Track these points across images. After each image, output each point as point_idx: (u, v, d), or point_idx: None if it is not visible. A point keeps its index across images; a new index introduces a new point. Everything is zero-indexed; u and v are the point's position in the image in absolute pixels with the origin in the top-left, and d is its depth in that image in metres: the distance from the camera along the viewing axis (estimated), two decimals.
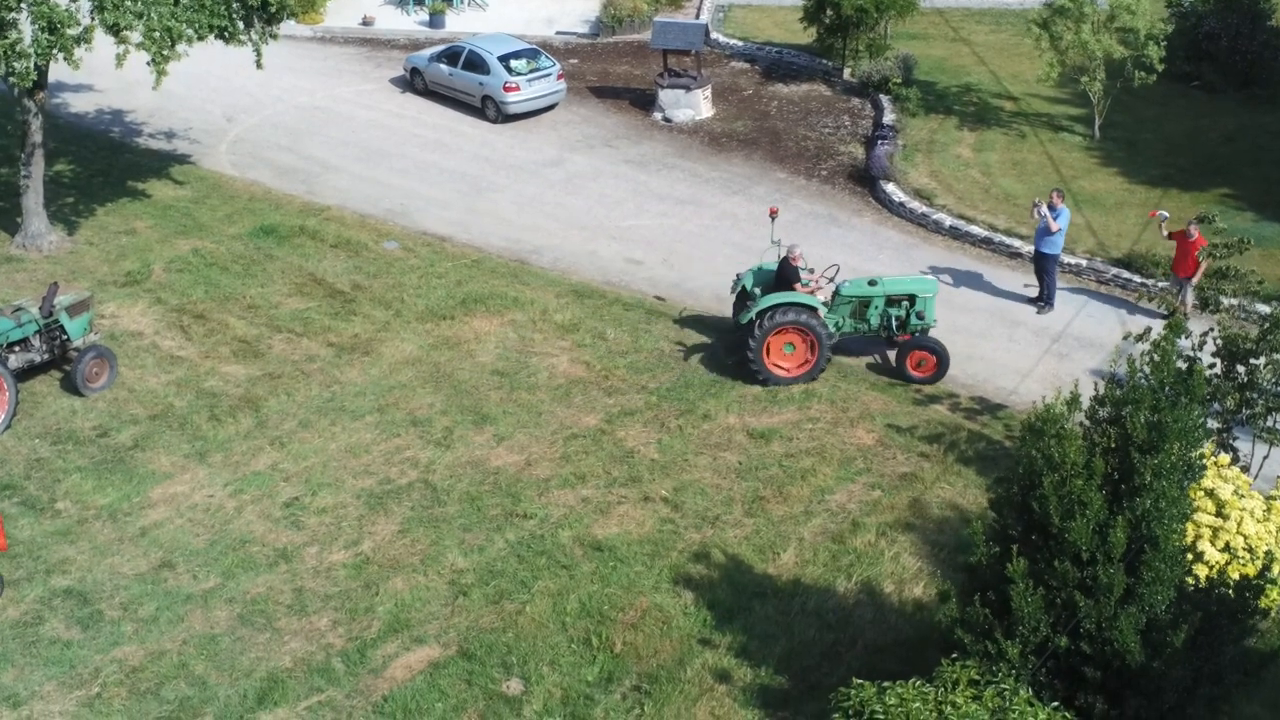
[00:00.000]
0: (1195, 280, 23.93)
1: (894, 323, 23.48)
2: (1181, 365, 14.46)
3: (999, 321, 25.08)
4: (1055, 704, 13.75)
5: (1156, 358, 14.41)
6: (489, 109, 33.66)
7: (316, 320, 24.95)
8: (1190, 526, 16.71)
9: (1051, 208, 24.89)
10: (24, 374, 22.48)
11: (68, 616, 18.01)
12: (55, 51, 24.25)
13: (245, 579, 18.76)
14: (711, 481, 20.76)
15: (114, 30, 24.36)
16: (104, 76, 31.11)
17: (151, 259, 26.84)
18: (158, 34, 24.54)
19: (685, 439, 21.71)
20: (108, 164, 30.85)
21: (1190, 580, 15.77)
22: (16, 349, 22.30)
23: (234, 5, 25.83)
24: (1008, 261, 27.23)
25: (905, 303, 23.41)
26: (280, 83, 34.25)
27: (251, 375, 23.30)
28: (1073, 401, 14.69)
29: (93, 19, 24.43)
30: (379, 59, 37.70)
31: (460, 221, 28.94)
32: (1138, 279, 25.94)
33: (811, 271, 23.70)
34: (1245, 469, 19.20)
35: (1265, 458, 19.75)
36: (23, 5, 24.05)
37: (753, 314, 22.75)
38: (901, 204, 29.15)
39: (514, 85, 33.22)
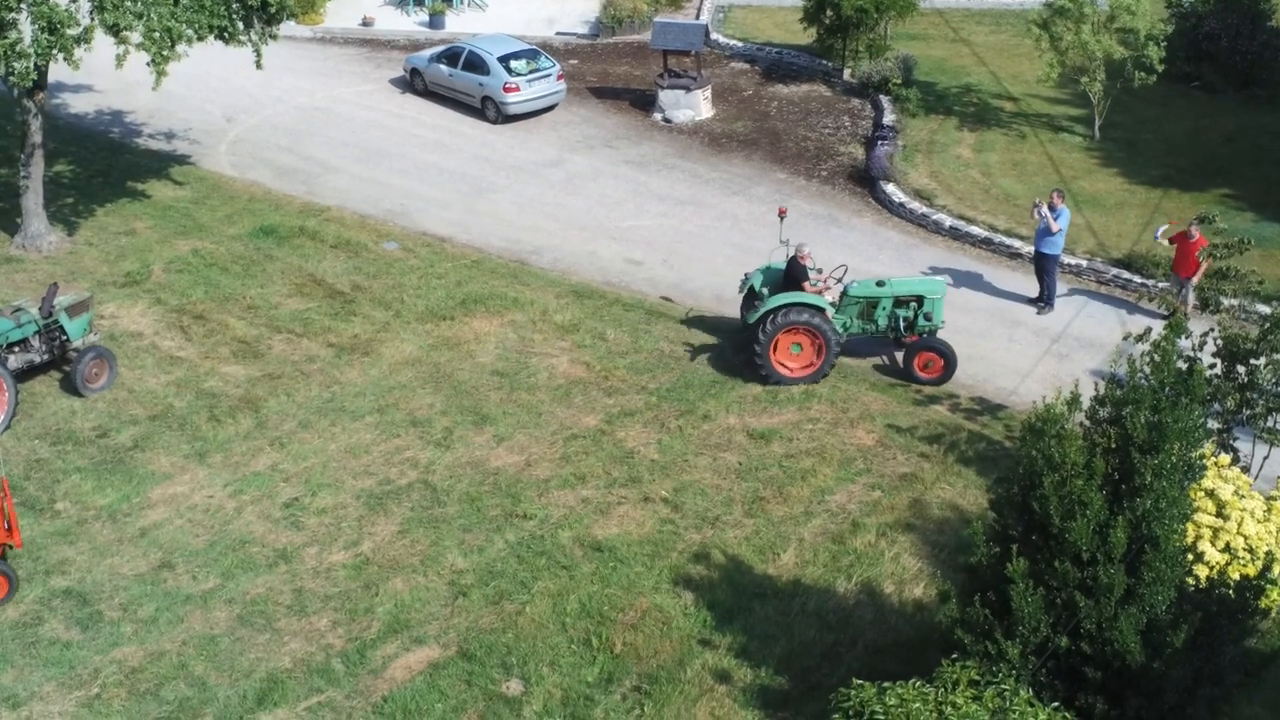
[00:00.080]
0: (1196, 280, 23.92)
1: (901, 324, 23.45)
2: (1182, 365, 14.45)
3: (999, 322, 25.07)
4: (1055, 704, 13.75)
5: (1157, 358, 14.40)
6: (489, 109, 33.65)
7: (316, 321, 24.94)
8: (1190, 527, 16.70)
9: (1052, 208, 24.88)
10: (24, 374, 22.47)
11: (67, 617, 18.01)
12: (55, 52, 24.24)
13: (245, 579, 18.76)
14: (711, 482, 20.75)
15: (114, 30, 24.35)
16: (104, 77, 31.10)
17: (151, 259, 26.84)
18: (158, 34, 24.54)
19: (685, 439, 21.70)
20: (107, 164, 30.85)
21: (1190, 581, 15.78)
22: (16, 349, 22.29)
23: (234, 6, 25.82)
24: (1008, 262, 27.23)
25: (913, 304, 23.38)
26: (280, 83, 34.25)
27: (251, 376, 23.29)
28: (1073, 402, 14.68)
29: (92, 19, 24.42)
30: (379, 59, 37.70)
31: (460, 222, 28.94)
32: (1138, 279, 25.94)
33: (820, 271, 23.68)
34: (1245, 469, 19.18)
35: (1265, 458, 19.74)
36: (22, 5, 24.04)
37: (761, 313, 22.73)
38: (901, 204, 29.15)
39: (514, 86, 33.21)
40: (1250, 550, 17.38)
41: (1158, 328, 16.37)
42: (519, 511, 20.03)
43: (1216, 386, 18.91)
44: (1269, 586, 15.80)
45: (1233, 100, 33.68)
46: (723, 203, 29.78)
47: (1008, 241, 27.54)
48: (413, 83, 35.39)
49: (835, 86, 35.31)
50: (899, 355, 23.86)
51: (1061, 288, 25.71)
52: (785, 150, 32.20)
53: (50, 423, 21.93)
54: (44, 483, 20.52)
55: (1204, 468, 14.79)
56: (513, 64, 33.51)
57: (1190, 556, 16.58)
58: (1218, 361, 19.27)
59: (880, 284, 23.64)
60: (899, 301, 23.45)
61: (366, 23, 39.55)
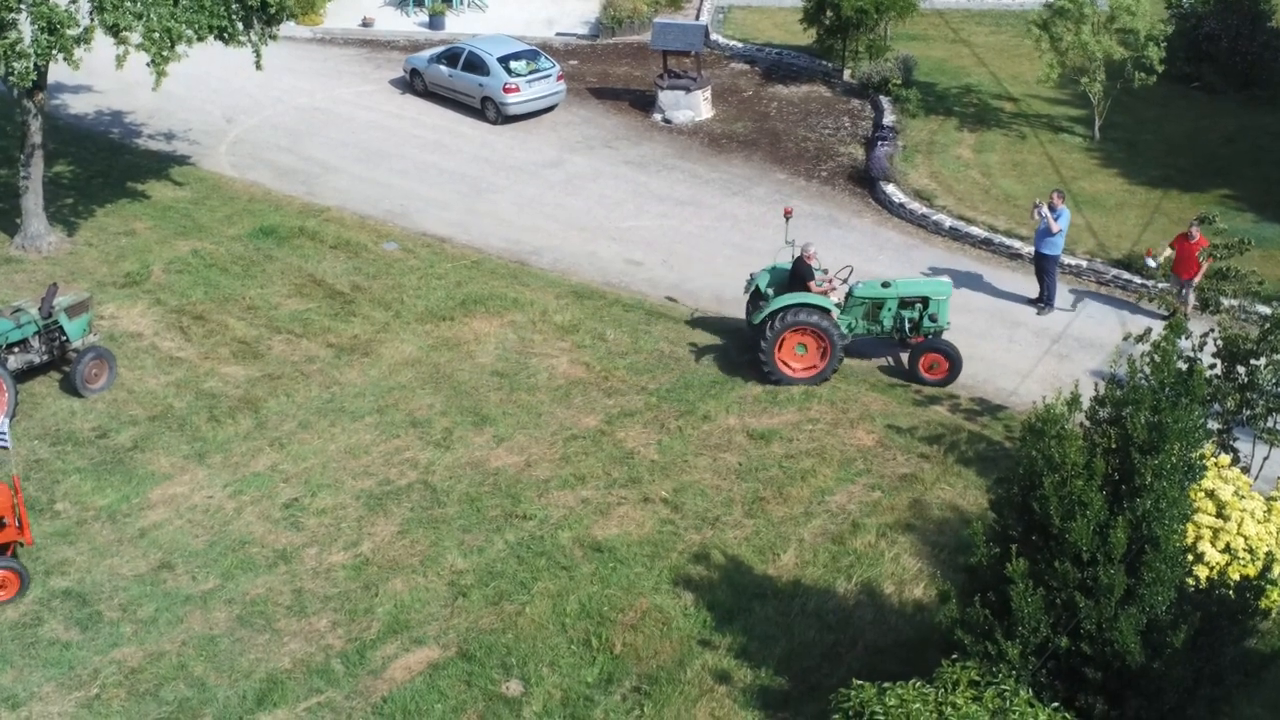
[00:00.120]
0: (1197, 280, 23.91)
1: (907, 325, 23.43)
2: (1182, 366, 14.44)
3: (999, 322, 25.07)
4: (1055, 705, 13.74)
5: (1157, 358, 14.40)
6: (489, 110, 33.65)
7: (316, 321, 24.94)
8: (1191, 527, 16.70)
9: (1052, 208, 24.88)
10: (23, 375, 22.46)
11: (67, 617, 18.00)
12: (55, 52, 24.24)
13: (244, 580, 18.75)
14: (711, 482, 20.74)
15: (114, 31, 24.35)
16: (103, 78, 31.10)
17: (151, 260, 26.83)
18: (157, 35, 24.53)
19: (685, 440, 21.69)
20: (107, 165, 30.84)
21: (1191, 581, 15.77)
22: (16, 350, 22.28)
23: (233, 6, 25.81)
24: (1008, 262, 27.22)
25: (919, 305, 23.36)
26: (280, 84, 34.24)
27: (251, 376, 23.29)
28: (1073, 402, 14.67)
29: (92, 20, 24.42)
30: (379, 60, 37.69)
31: (460, 222, 28.93)
32: (1138, 280, 25.93)
33: (825, 272, 23.67)
34: (1246, 470, 19.17)
35: (1265, 458, 19.73)
36: (22, 6, 24.04)
37: (766, 313, 22.72)
38: (901, 205, 29.14)
39: (514, 86, 33.21)
40: (1250, 551, 17.38)
41: (1158, 328, 16.36)
42: (519, 512, 20.02)
43: (1217, 387, 18.91)
44: (1269, 587, 15.79)
45: (1233, 101, 33.69)
46: (722, 203, 29.78)
47: (1007, 242, 27.54)
48: (413, 83, 35.39)
49: (835, 87, 35.31)
50: (904, 356, 23.82)
51: (1064, 290, 25.67)
52: (785, 151, 32.20)
53: (50, 423, 21.92)
54: (43, 483, 20.51)
55: (1204, 468, 14.78)
56: (513, 65, 33.50)
57: (1190, 557, 16.58)
58: (1218, 362, 19.26)
59: (886, 285, 23.63)
60: (904, 302, 23.42)
61: (366, 23, 39.55)
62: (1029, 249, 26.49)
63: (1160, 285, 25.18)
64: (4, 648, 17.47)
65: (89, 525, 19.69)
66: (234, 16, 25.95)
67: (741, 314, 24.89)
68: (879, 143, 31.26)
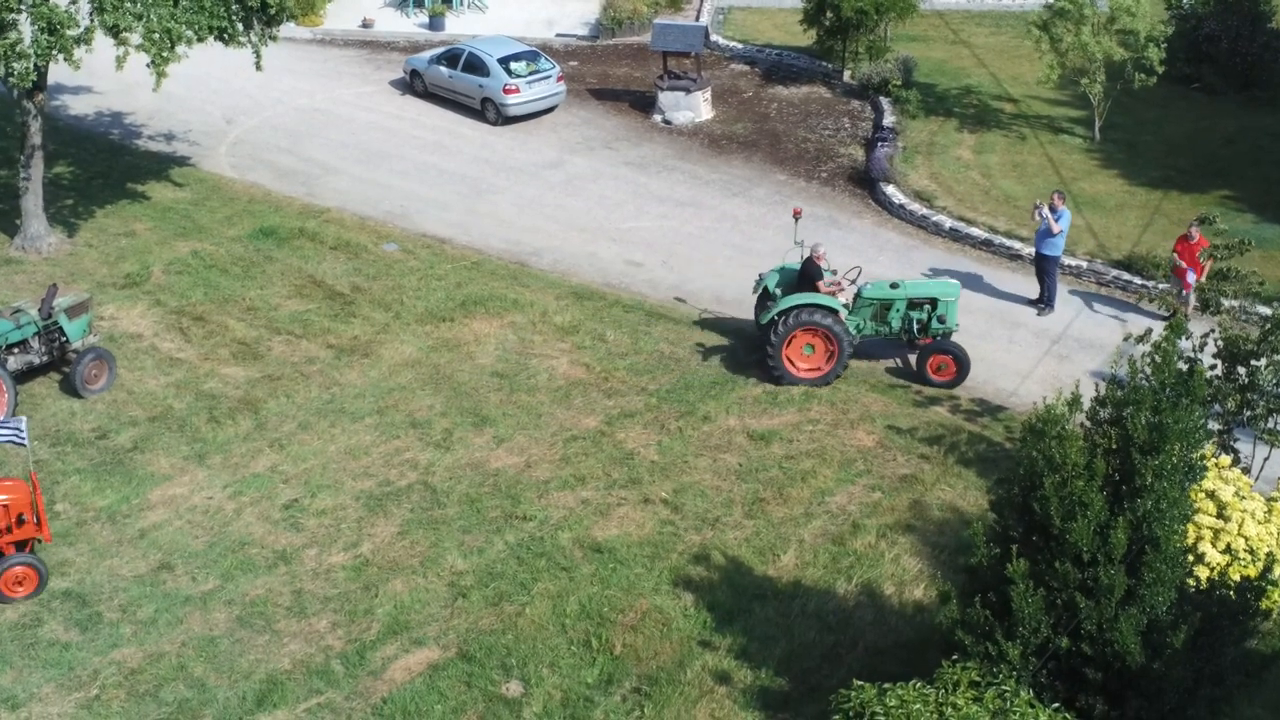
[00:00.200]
0: (1198, 280, 23.88)
1: (915, 326, 23.40)
2: (1182, 367, 14.43)
3: (999, 323, 25.06)
4: (1056, 705, 13.73)
5: (1158, 359, 14.39)
6: (489, 111, 33.64)
7: (316, 322, 24.93)
8: (1191, 528, 16.69)
9: (1053, 209, 24.87)
10: (23, 376, 22.45)
11: (66, 618, 17.98)
12: (55, 52, 24.23)
13: (244, 581, 18.73)
14: (711, 483, 20.73)
15: (113, 31, 24.34)
16: (103, 78, 31.11)
17: (151, 261, 26.82)
18: (157, 35, 24.53)
19: (685, 441, 21.68)
20: (107, 166, 30.84)
21: (1191, 582, 15.76)
22: (15, 351, 22.28)
23: (233, 7, 25.81)
24: (1008, 263, 27.22)
25: (927, 306, 23.33)
26: (280, 85, 34.24)
27: (251, 377, 23.28)
28: (1073, 402, 14.66)
29: (92, 20, 24.41)
30: (379, 61, 37.69)
31: (460, 223, 28.93)
32: (1138, 280, 25.92)
33: (835, 273, 23.66)
34: (1246, 470, 19.16)
35: (1266, 459, 19.72)
36: (23, 6, 24.03)
37: (773, 313, 22.71)
38: (901, 206, 29.14)
39: (514, 87, 33.21)
40: (1251, 551, 17.37)
41: (1158, 329, 16.35)
42: (519, 513, 20.01)
43: (1217, 388, 18.90)
44: (1270, 588, 15.80)
45: (1233, 102, 33.69)
46: (723, 204, 29.78)
47: (1008, 243, 27.54)
48: (413, 84, 35.39)
49: (835, 88, 35.31)
50: (912, 358, 23.80)
51: (1063, 290, 25.69)
52: (785, 152, 32.20)
53: (50, 424, 21.91)
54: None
55: (1205, 469, 14.76)
56: (513, 65, 33.50)
57: (1191, 558, 16.58)
58: (1218, 363, 19.26)
59: (894, 286, 23.62)
60: (913, 304, 23.40)
61: (366, 24, 39.54)
62: (1029, 250, 26.49)
63: (1161, 286, 25.17)
64: (4, 648, 17.46)
65: (89, 526, 19.68)
66: (234, 17, 25.94)
67: (742, 314, 24.88)
68: (879, 144, 31.26)
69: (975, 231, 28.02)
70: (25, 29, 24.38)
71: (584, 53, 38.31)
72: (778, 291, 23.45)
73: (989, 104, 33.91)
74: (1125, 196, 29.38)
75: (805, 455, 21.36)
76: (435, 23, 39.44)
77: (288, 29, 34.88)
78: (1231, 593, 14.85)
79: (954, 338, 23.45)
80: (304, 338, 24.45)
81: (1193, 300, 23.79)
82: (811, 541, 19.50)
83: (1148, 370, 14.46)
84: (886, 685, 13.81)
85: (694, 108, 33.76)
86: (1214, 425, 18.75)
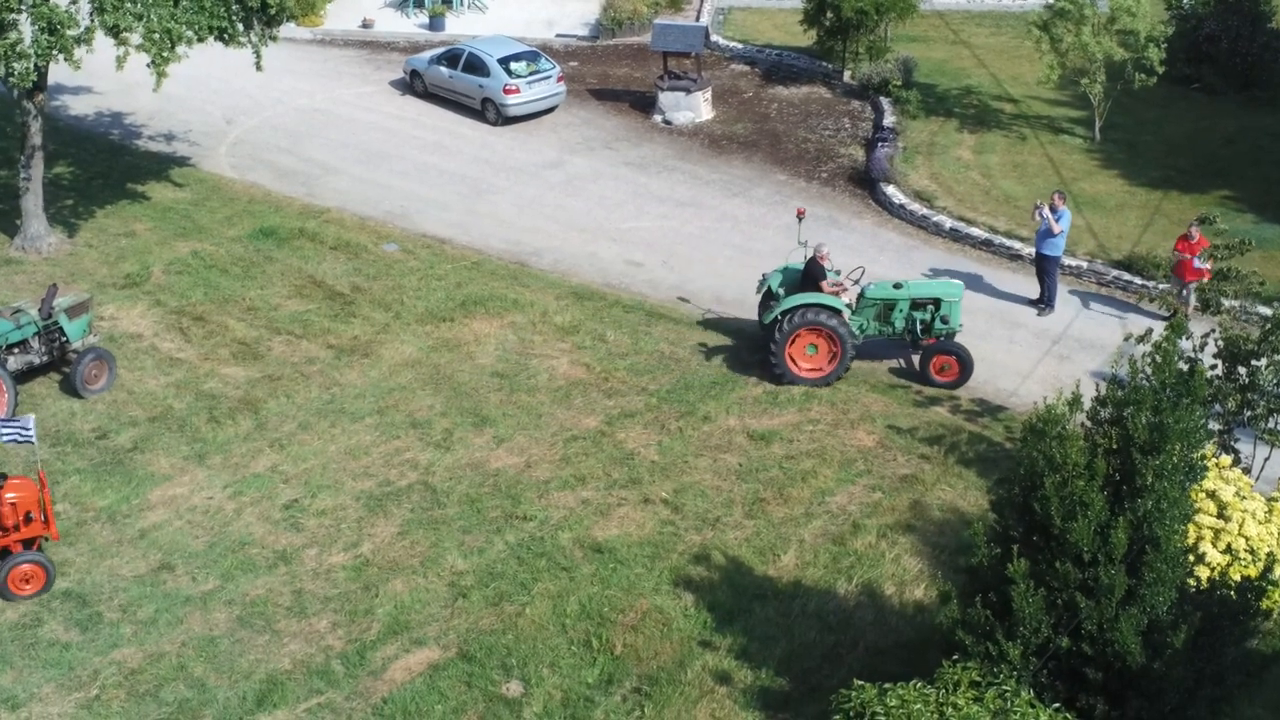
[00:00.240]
0: (1198, 281, 23.88)
1: (918, 326, 23.39)
2: (1183, 366, 14.43)
3: (999, 323, 25.05)
4: (1057, 705, 13.73)
5: (1158, 359, 14.39)
6: (489, 111, 33.64)
7: (316, 322, 24.92)
8: (1192, 528, 16.69)
9: (1053, 209, 24.87)
10: (23, 376, 22.45)
11: (66, 618, 17.98)
12: (55, 52, 24.23)
13: (244, 581, 18.73)
14: (712, 483, 20.72)
15: (114, 32, 24.35)
16: (104, 79, 31.11)
17: (151, 261, 26.82)
18: (157, 36, 24.54)
19: (685, 441, 21.68)
20: (107, 166, 30.83)
21: (1192, 582, 15.76)
22: (15, 351, 22.27)
23: (234, 7, 25.81)
24: (1008, 263, 27.22)
25: (930, 306, 23.31)
26: (280, 85, 34.23)
27: (251, 377, 23.27)
28: (1074, 402, 14.66)
29: (92, 20, 24.41)
30: (379, 61, 37.69)
31: (460, 224, 28.92)
32: (1138, 281, 25.93)
33: (838, 273, 23.65)
34: (1247, 470, 19.16)
35: (1266, 459, 19.70)
36: (23, 6, 24.03)
37: (776, 313, 22.71)
38: (902, 206, 29.14)
39: (514, 87, 33.20)
40: (1251, 551, 17.36)
41: (1159, 329, 16.35)
42: (519, 513, 20.00)
43: (1218, 388, 18.89)
44: (1270, 588, 15.79)
45: (1233, 102, 33.69)
46: (723, 204, 29.77)
47: (1008, 243, 27.54)
48: (413, 84, 35.38)
49: (835, 88, 35.31)
50: (915, 358, 23.78)
51: (1063, 290, 25.69)
52: (785, 152, 32.20)
53: (50, 424, 21.89)
54: None
55: (1205, 468, 14.77)
56: (513, 66, 33.50)
57: (1191, 558, 16.56)
58: (1219, 363, 19.25)
59: (897, 286, 23.61)
60: (916, 304, 23.38)
61: (366, 25, 39.54)
62: (1029, 250, 26.49)
63: (1162, 286, 25.18)
64: (4, 649, 17.45)
65: (89, 526, 19.67)
66: (234, 17, 25.95)
67: (743, 314, 24.89)
68: (879, 144, 31.26)
69: (975, 232, 28.02)
70: (26, 29, 24.38)
71: (584, 53, 38.32)
72: (781, 291, 23.44)
73: (989, 104, 33.91)
74: (1125, 197, 29.38)
75: (805, 455, 21.36)
76: (435, 23, 39.43)
77: (288, 29, 34.87)
78: (1232, 593, 14.85)
79: (956, 338, 23.43)
80: (304, 338, 24.45)
81: (1193, 300, 23.78)
82: (812, 541, 19.49)
83: (1148, 370, 14.46)
84: (887, 685, 13.81)
85: (694, 108, 33.76)
86: (1214, 425, 18.75)
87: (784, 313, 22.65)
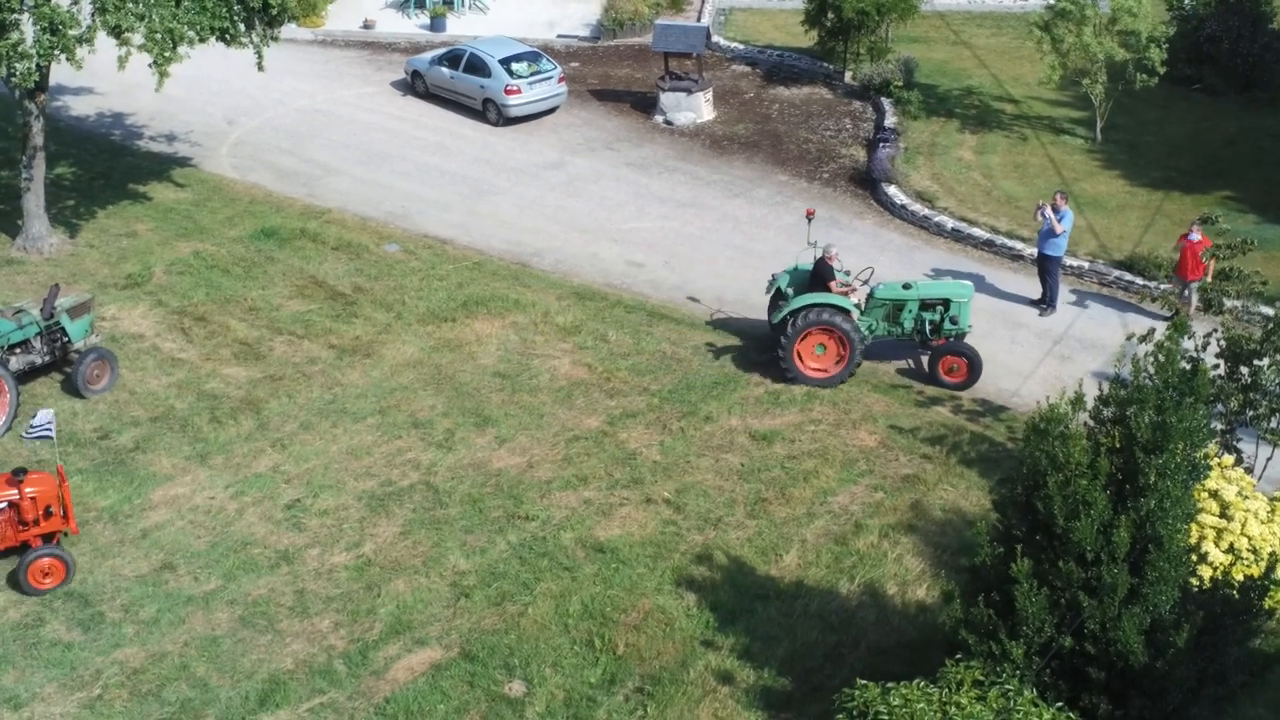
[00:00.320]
0: (1204, 280, 23.87)
1: (927, 327, 23.38)
2: (1185, 366, 14.43)
3: (1001, 323, 25.05)
4: (1059, 704, 13.72)
5: (1161, 358, 14.38)
6: (490, 112, 33.65)
7: (318, 322, 24.92)
8: (1194, 528, 16.70)
9: (1055, 209, 24.88)
10: (25, 376, 22.44)
11: (68, 618, 17.98)
12: (57, 53, 24.22)
13: (247, 581, 18.73)
14: (714, 483, 20.72)
15: (115, 32, 24.35)
16: (105, 79, 31.13)
17: (152, 261, 26.82)
18: (159, 36, 24.54)
19: (687, 441, 21.68)
20: (109, 167, 30.84)
21: (1194, 582, 15.75)
22: (17, 351, 22.27)
23: (235, 7, 25.82)
24: (1009, 264, 27.22)
25: (939, 307, 23.31)
26: (281, 86, 34.23)
27: (252, 377, 23.27)
28: (1077, 401, 14.66)
29: (94, 20, 24.41)
30: (380, 62, 37.69)
31: (461, 224, 28.93)
32: (1140, 281, 25.93)
33: (848, 274, 23.65)
34: (1249, 470, 19.17)
35: (1269, 459, 19.72)
36: (24, 7, 24.04)
37: (785, 313, 22.72)
38: (903, 206, 29.14)
39: (515, 88, 33.21)
40: (1254, 551, 17.37)
41: (1161, 329, 16.35)
42: (521, 513, 20.00)
43: (1220, 387, 18.89)
44: (1273, 587, 15.76)
45: (1234, 102, 33.70)
46: (724, 205, 29.78)
47: (1009, 243, 27.54)
48: (414, 85, 35.39)
49: (836, 89, 35.31)
50: (924, 359, 23.77)
51: (1064, 290, 25.70)
52: (787, 153, 32.20)
53: None
54: None
55: (1208, 467, 14.78)
56: (514, 66, 33.51)
57: (1194, 557, 16.56)
58: (1221, 362, 19.26)
59: (907, 286, 23.61)
60: (925, 305, 23.38)
61: (368, 25, 39.55)
62: (1031, 250, 26.50)
63: (1163, 286, 25.18)
64: (6, 648, 17.45)
65: (90, 526, 19.66)
66: (236, 18, 25.95)
67: (743, 315, 24.89)
68: (880, 144, 31.26)
69: (977, 232, 28.03)
70: (27, 29, 24.38)
71: (585, 54, 38.32)
72: (790, 291, 23.44)
73: (990, 105, 33.92)
74: (1126, 197, 29.39)
75: (807, 455, 21.36)
76: (436, 24, 39.44)
77: (289, 30, 34.83)
78: (1235, 592, 14.84)
79: (965, 339, 23.41)
80: (306, 338, 24.45)
81: (1195, 300, 23.78)
82: (814, 541, 19.49)
83: (1151, 369, 14.46)
84: (890, 684, 13.81)
85: (695, 109, 33.77)
86: (1217, 425, 18.76)
87: (793, 312, 22.66)
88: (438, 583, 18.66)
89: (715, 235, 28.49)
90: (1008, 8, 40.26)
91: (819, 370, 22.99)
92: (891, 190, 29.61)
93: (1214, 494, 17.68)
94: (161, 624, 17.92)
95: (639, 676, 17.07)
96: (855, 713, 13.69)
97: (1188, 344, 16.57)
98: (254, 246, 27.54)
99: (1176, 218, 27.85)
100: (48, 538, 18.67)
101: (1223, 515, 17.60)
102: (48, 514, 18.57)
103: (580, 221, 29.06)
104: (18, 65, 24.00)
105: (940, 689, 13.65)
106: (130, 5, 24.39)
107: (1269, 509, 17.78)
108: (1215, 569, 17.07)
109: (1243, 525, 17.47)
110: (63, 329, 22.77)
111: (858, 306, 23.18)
